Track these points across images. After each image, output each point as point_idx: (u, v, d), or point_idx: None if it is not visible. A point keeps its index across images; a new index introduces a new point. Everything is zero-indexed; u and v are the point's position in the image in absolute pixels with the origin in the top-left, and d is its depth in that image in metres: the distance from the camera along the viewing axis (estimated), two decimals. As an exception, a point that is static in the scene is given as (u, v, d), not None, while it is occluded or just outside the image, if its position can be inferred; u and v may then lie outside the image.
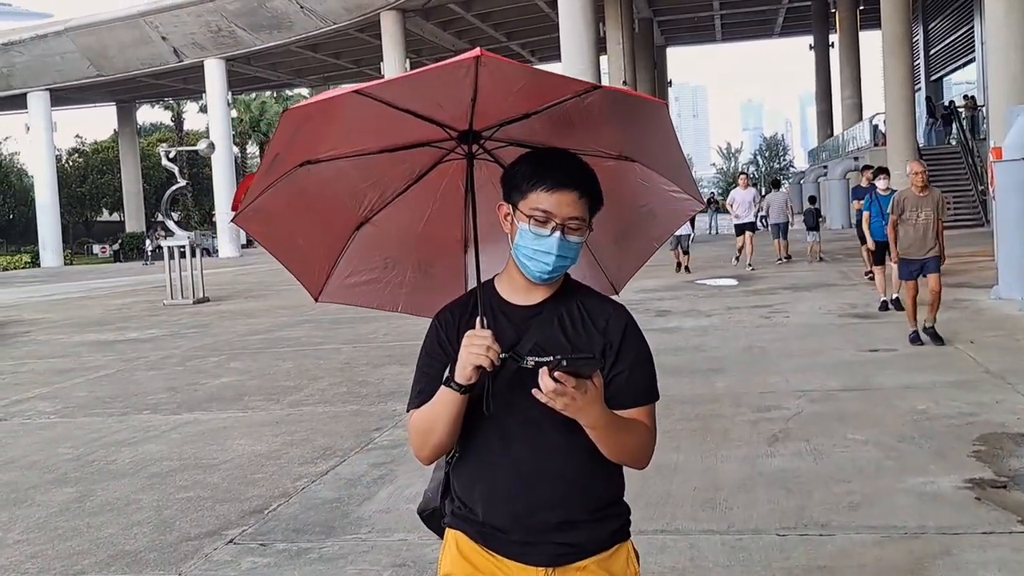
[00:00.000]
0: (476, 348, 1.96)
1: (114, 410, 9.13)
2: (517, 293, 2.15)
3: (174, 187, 22.75)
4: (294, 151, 2.13)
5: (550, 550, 2.10)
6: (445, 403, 2.03)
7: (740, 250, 21.40)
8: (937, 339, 9.94)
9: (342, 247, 2.47)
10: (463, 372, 1.99)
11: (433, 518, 2.36)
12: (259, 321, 16.45)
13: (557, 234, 2.04)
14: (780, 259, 21.83)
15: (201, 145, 26.22)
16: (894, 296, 12.42)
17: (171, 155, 24.53)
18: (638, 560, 2.23)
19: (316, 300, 2.58)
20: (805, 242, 22.07)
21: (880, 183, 13.18)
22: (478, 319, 2.07)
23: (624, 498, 2.24)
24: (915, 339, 10.09)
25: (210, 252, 52.37)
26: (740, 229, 21.23)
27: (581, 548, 2.12)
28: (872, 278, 15.52)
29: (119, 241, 53.21)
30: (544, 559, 2.11)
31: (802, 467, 5.94)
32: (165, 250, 21.05)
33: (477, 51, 1.80)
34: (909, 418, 7.00)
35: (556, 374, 1.84)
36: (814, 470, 5.86)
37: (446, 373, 2.04)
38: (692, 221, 28.03)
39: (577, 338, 2.10)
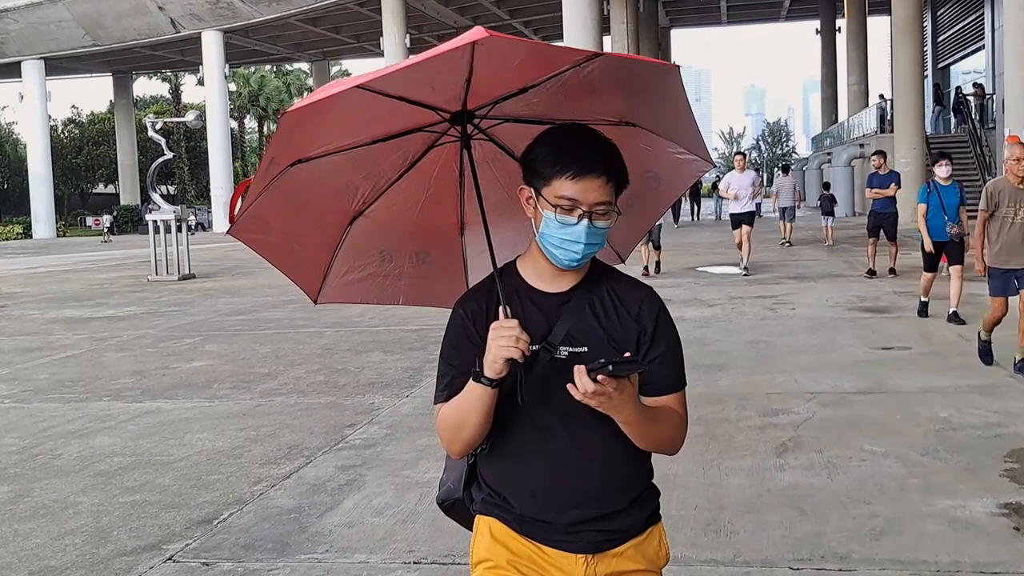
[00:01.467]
0: (505, 340, 1.88)
1: (73, 395, 8.51)
2: (543, 279, 2.08)
3: (160, 159, 22.01)
4: (288, 152, 2.06)
5: (591, 537, 2.07)
6: (477, 397, 1.96)
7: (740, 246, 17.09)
8: None
9: (336, 245, 2.40)
10: (493, 366, 1.91)
11: (455, 509, 2.30)
12: (243, 300, 15.83)
13: (585, 222, 1.96)
14: (785, 241, 23.04)
15: (189, 117, 25.60)
16: (952, 310, 10.50)
17: (158, 126, 23.85)
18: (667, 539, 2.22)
19: (315, 303, 2.51)
20: (820, 226, 23.51)
21: (941, 170, 10.78)
22: (501, 308, 2.00)
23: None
24: (986, 353, 8.36)
25: (205, 226, 51.81)
26: (737, 220, 16.96)
27: (620, 534, 2.10)
28: (873, 275, 15.28)
29: (114, 213, 52.43)
30: (585, 547, 2.07)
31: (816, 484, 5.33)
32: (150, 224, 20.35)
33: (477, 33, 1.70)
34: (931, 427, 6.39)
35: (599, 378, 1.77)
36: (829, 488, 5.25)
37: (475, 366, 1.95)
38: (676, 208, 27.49)
39: (611, 325, 2.05)
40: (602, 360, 1.79)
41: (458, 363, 2.06)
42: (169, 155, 22.65)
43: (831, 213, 23.46)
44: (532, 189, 2.01)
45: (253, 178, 2.15)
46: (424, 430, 6.79)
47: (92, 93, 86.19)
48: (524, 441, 2.07)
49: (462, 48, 1.74)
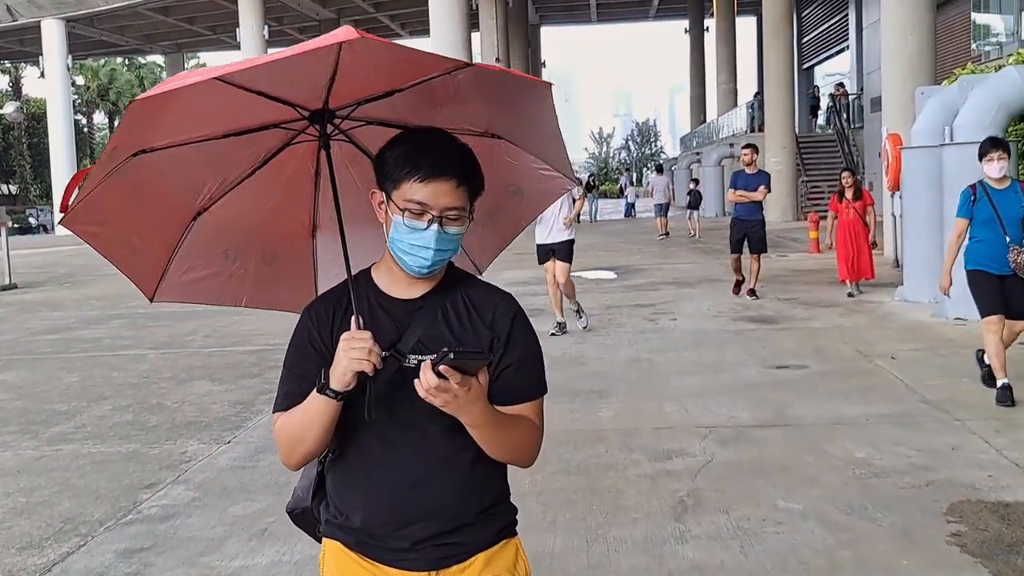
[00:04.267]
0: (356, 352, 1.81)
1: None
2: (397, 286, 2.01)
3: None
4: (131, 141, 1.93)
5: (433, 553, 1.98)
6: (319, 410, 1.88)
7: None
8: None
9: (177, 241, 2.26)
10: (342, 378, 1.83)
11: (304, 517, 2.18)
12: (63, 315, 14.00)
13: (435, 227, 1.89)
14: (662, 235, 25.51)
15: (8, 109, 23.25)
16: (1004, 382, 6.81)
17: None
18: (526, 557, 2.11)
19: (151, 300, 2.36)
20: (685, 220, 26.37)
21: (992, 168, 6.84)
22: (353, 319, 1.91)
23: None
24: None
25: (47, 228, 48.40)
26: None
27: (465, 548, 2.00)
28: (739, 291, 12.84)
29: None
30: (427, 563, 1.98)
31: (727, 561, 4.24)
32: (-36, 228, 18.12)
33: (347, 32, 1.63)
34: (850, 473, 5.41)
35: (441, 368, 1.71)
36: (744, 568, 4.17)
37: (320, 377, 1.87)
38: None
39: (463, 332, 1.98)
40: (445, 349, 1.71)
41: (301, 372, 1.97)
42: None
43: (696, 207, 26.24)
44: (383, 193, 1.96)
45: (92, 167, 2.00)
46: (240, 491, 5.45)
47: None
48: (367, 454, 1.97)
49: (328, 47, 1.66)
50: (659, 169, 29.60)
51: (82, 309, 14.56)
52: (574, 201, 10.68)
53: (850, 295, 12.48)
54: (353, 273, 2.03)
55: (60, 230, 44.64)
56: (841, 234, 12.98)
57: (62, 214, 2.11)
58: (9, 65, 64.23)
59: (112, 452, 6.42)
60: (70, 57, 44.73)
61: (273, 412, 2.02)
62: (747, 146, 13.49)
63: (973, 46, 23.10)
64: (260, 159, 2.18)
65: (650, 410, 6.98)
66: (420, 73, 1.95)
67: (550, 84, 2.01)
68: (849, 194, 13.07)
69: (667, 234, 25.67)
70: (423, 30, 37.67)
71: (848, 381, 7.70)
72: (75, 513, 5.21)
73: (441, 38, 27.66)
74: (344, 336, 1.85)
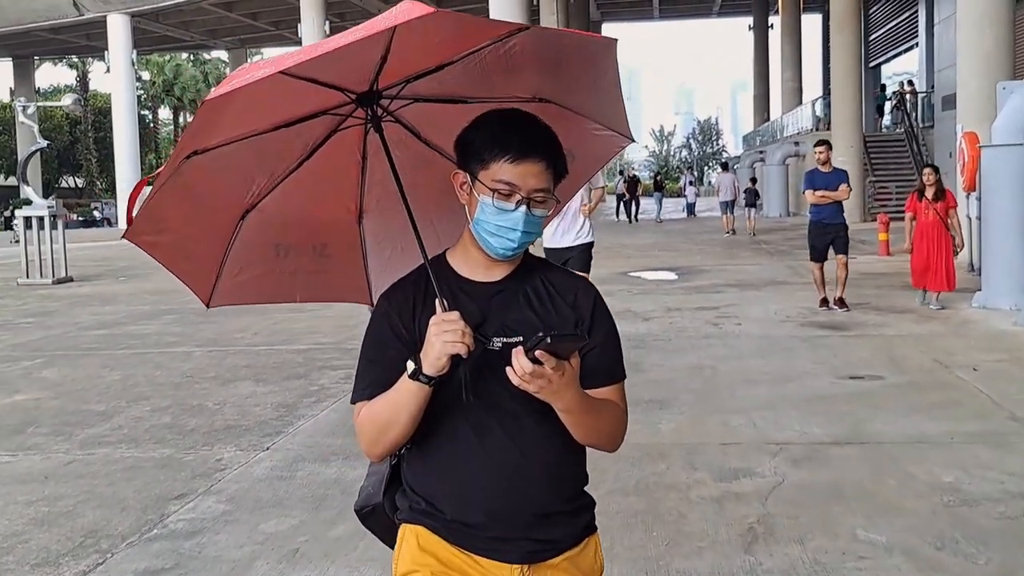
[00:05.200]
0: (450, 335, 1.76)
1: None
2: (476, 270, 1.97)
3: (32, 148, 19.72)
4: (189, 144, 1.89)
5: (526, 546, 1.93)
6: (411, 396, 1.83)
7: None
8: None
9: (228, 242, 2.20)
10: (437, 363, 1.78)
11: (373, 517, 2.11)
12: (114, 309, 13.88)
13: (522, 208, 1.87)
14: (729, 231, 26.11)
15: (66, 100, 23.47)
16: None
17: (29, 110, 21.46)
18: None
19: (208, 306, 2.31)
20: (747, 218, 26.74)
21: None
22: (437, 302, 1.86)
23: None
24: None
25: (111, 221, 49.00)
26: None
27: (556, 544, 1.97)
28: (827, 306, 11.24)
29: (11, 207, 49.21)
30: (520, 556, 1.93)
31: (805, 603, 3.78)
32: (21, 221, 18.13)
33: (416, 9, 1.54)
34: (938, 500, 4.89)
35: (537, 353, 1.66)
36: (825, 612, 3.70)
37: (410, 364, 1.81)
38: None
39: (546, 314, 1.94)
40: (540, 334, 1.66)
41: (382, 360, 1.92)
42: (42, 143, 20.36)
43: (753, 205, 27.19)
44: (467, 174, 1.91)
45: (155, 174, 1.92)
46: (274, 505, 5.10)
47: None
48: (456, 441, 1.91)
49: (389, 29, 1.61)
50: (724, 167, 30.01)
51: (134, 304, 14.44)
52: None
53: (927, 306, 11.26)
54: (373, 296, 2.04)
55: (123, 223, 45.20)
56: (919, 238, 11.39)
57: (127, 227, 2.05)
58: (77, 60, 65.33)
59: (145, 458, 6.12)
60: (135, 52, 45.15)
61: (352, 403, 1.97)
62: (821, 143, 11.86)
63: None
64: (308, 149, 2.12)
65: (715, 423, 6.51)
66: (471, 42, 1.89)
67: (614, 40, 1.91)
68: (929, 193, 11.31)
69: (733, 231, 26.19)
70: (483, 25, 37.27)
71: (928, 394, 7.15)
72: (99, 526, 4.89)
73: (500, 33, 27.41)
74: (433, 320, 1.80)
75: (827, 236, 11.36)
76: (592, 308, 1.99)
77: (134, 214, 2.04)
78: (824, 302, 11.40)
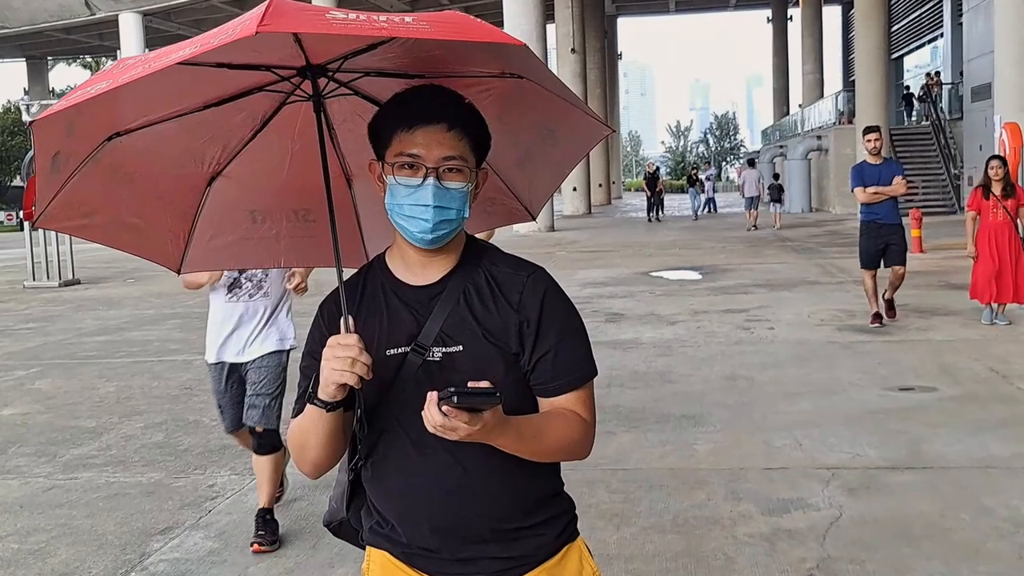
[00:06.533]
0: (338, 363, 1.62)
1: None
2: (412, 271, 1.82)
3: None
4: (87, 135, 1.81)
5: (492, 565, 1.80)
6: (313, 420, 1.71)
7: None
8: None
9: (195, 209, 2.10)
10: (327, 390, 1.66)
11: (343, 530, 2.01)
12: (117, 314, 13.37)
13: (431, 180, 1.71)
14: (751, 227, 26.28)
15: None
16: None
17: (33, 109, 21.02)
18: (592, 556, 1.93)
19: (179, 273, 2.21)
20: (771, 213, 27.41)
21: None
22: (342, 321, 1.71)
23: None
24: None
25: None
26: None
27: (529, 558, 1.82)
28: (881, 322, 9.82)
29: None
30: (488, 574, 1.81)
31: (885, 677, 3.19)
32: (26, 223, 17.67)
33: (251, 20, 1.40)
34: (1020, 542, 4.29)
35: (444, 409, 1.52)
36: None
37: (310, 384, 1.72)
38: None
39: (486, 317, 1.77)
40: (451, 389, 1.51)
41: (311, 374, 1.76)
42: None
43: (779, 201, 28.07)
44: (380, 162, 1.78)
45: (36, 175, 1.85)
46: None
47: (5, 80, 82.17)
48: (401, 459, 1.79)
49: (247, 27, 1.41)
50: (751, 163, 30.83)
51: (139, 307, 13.93)
52: None
53: (992, 323, 9.65)
54: (369, 259, 1.92)
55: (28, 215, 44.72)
56: (983, 241, 9.77)
57: (30, 220, 1.49)
58: (90, 60, 65.14)
59: (131, 483, 5.58)
60: (148, 51, 44.85)
61: (292, 416, 1.84)
62: (870, 129, 10.04)
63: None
64: (258, 121, 1.97)
65: (756, 444, 5.92)
66: (380, 35, 1.68)
67: (522, 43, 1.59)
68: (997, 189, 9.69)
69: (756, 227, 26.46)
70: (498, 22, 36.75)
71: (990, 409, 6.53)
72: (70, 568, 4.35)
73: (515, 27, 27.06)
74: (329, 342, 1.65)
75: (881, 239, 9.80)
76: (540, 307, 1.78)
77: (34, 208, 1.95)
78: (877, 318, 9.86)
